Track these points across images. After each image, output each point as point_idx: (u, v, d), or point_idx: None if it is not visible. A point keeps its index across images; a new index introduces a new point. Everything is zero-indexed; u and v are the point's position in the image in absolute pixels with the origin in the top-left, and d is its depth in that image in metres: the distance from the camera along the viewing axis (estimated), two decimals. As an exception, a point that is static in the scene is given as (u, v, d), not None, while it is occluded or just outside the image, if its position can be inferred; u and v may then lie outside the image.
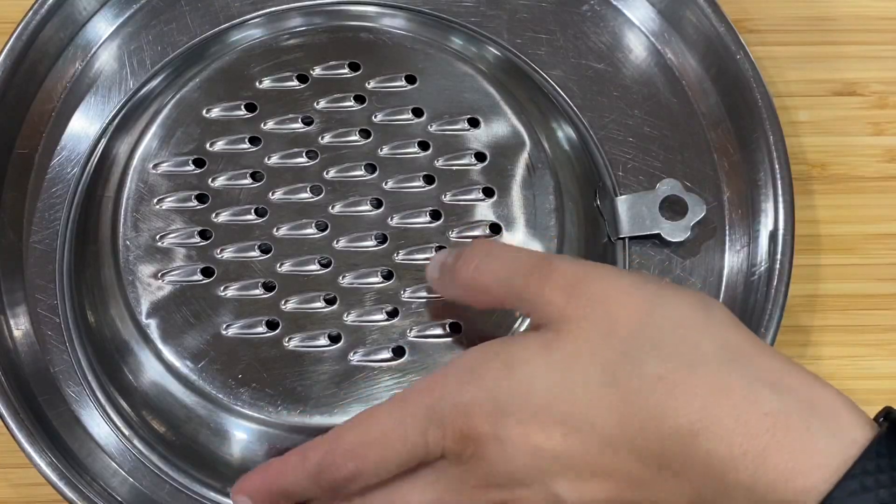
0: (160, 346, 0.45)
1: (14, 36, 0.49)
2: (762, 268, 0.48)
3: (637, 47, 0.52)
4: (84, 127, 0.50)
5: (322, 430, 0.39)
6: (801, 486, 0.32)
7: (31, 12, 0.49)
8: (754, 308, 0.48)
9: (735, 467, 0.33)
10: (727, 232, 0.50)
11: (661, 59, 0.52)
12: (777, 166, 0.48)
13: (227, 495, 0.45)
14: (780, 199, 0.48)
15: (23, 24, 0.49)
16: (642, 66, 0.52)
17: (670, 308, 0.36)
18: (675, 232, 0.48)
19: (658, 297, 0.37)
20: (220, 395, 0.44)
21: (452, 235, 0.46)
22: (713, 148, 0.50)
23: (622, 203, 0.49)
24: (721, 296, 0.49)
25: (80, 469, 0.45)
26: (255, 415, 0.44)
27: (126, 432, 0.46)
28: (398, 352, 0.45)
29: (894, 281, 0.52)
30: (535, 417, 0.36)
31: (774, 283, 0.47)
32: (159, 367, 0.45)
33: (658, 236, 0.48)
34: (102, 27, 0.51)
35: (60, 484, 0.43)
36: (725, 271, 0.49)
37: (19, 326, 0.47)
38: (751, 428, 0.33)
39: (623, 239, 0.48)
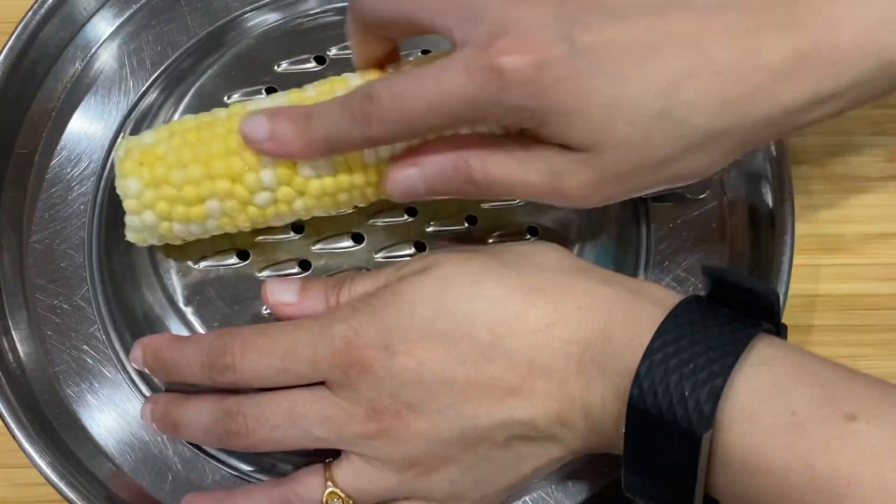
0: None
1: (14, 36, 0.49)
2: (762, 268, 0.48)
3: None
4: (84, 127, 0.50)
5: None
6: (637, 346, 0.37)
7: (30, 12, 0.49)
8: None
9: (589, 348, 0.39)
10: (727, 232, 0.50)
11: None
12: (777, 166, 0.49)
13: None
14: (781, 199, 0.48)
15: (22, 23, 0.49)
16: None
17: (516, 246, 0.44)
18: None
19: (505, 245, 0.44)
20: None
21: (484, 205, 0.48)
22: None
23: None
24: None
25: (80, 469, 0.45)
26: None
27: None
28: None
29: (894, 281, 0.52)
30: (421, 338, 0.39)
31: (775, 283, 0.47)
32: None
33: None
34: (102, 27, 0.52)
35: (60, 484, 0.43)
36: (725, 271, 0.50)
37: (19, 326, 0.48)
38: (591, 314, 0.39)
39: None
